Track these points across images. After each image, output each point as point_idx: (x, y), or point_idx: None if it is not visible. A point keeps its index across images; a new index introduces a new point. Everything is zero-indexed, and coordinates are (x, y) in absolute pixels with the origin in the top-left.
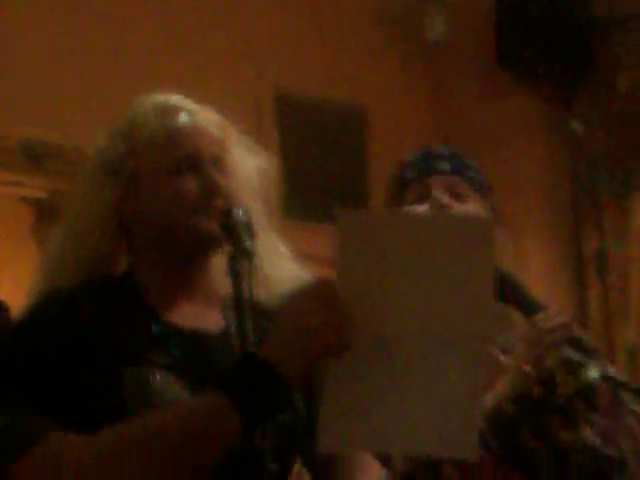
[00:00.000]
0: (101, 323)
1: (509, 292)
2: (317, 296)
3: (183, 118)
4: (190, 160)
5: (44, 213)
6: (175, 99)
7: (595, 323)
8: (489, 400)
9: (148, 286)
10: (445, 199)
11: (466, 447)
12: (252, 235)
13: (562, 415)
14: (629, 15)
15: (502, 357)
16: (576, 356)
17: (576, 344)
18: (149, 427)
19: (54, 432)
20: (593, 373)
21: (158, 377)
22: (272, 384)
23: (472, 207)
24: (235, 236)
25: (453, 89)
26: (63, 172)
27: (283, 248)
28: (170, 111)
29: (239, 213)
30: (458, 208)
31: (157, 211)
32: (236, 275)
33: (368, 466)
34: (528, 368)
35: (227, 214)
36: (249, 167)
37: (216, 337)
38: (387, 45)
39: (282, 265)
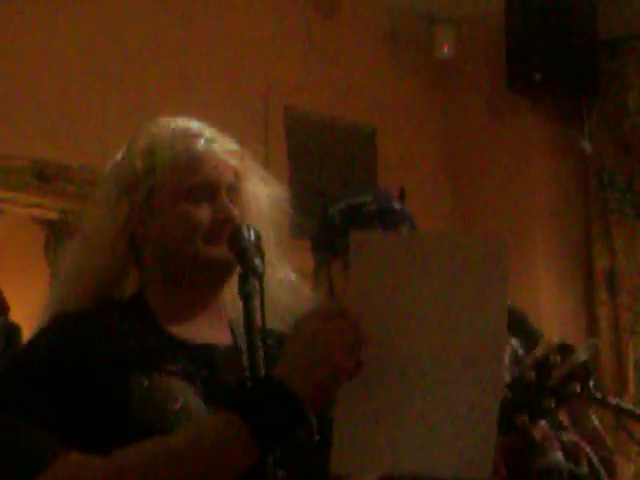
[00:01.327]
0: (110, 339)
1: (510, 321)
2: (330, 318)
3: (203, 144)
4: (206, 187)
5: (55, 233)
6: (196, 124)
7: (605, 341)
8: None
9: (157, 305)
10: None
11: (481, 467)
12: (261, 254)
13: (557, 397)
14: (636, 35)
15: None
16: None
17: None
18: (162, 451)
19: (66, 455)
20: (583, 356)
21: (171, 382)
22: (288, 409)
23: None
24: (244, 255)
25: (463, 109)
26: (74, 192)
27: (295, 277)
28: (191, 136)
29: (248, 232)
30: None
31: (167, 233)
32: (246, 295)
33: None
34: (521, 352)
35: (236, 233)
36: (262, 196)
37: (224, 351)
38: (397, 64)
39: (293, 292)
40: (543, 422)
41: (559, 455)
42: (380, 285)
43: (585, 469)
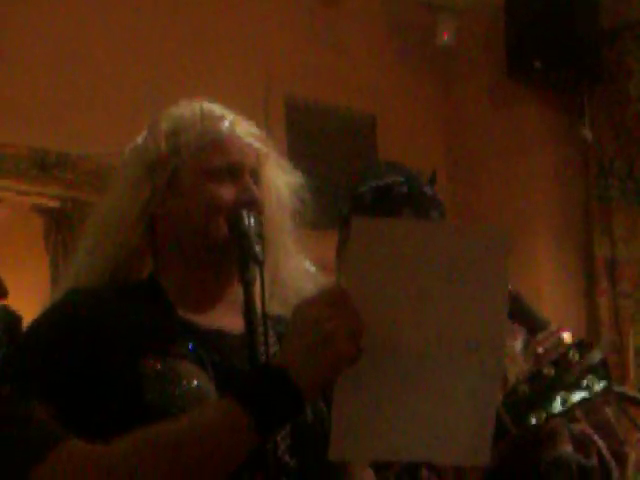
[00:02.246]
0: (124, 319)
1: (514, 308)
2: (330, 302)
3: (227, 126)
4: (230, 169)
5: (55, 222)
6: (218, 107)
7: (606, 329)
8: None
9: (171, 288)
10: None
11: (480, 453)
12: (262, 241)
13: (575, 393)
14: (637, 22)
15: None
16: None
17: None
18: (161, 438)
19: (65, 442)
20: (598, 354)
21: (183, 366)
22: (288, 395)
23: None
24: (244, 241)
25: (463, 97)
26: (73, 181)
27: (309, 265)
28: (215, 118)
29: (248, 218)
30: None
31: (190, 213)
32: (246, 281)
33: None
34: (540, 349)
35: (236, 219)
36: (281, 183)
37: (236, 338)
38: (398, 53)
39: (309, 280)
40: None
41: (568, 448)
42: (380, 271)
43: (594, 461)
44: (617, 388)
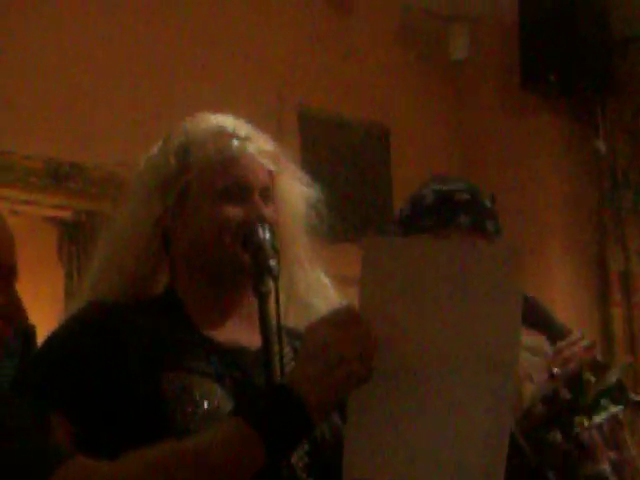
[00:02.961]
0: (145, 333)
1: (534, 316)
2: (342, 323)
3: (237, 145)
4: (239, 188)
5: (69, 233)
6: (231, 122)
7: (620, 341)
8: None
9: (188, 303)
10: None
11: (493, 475)
12: (276, 254)
13: (590, 415)
14: None
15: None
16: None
17: (595, 368)
18: (170, 457)
19: (72, 459)
20: (614, 376)
21: (203, 384)
22: (296, 415)
23: None
24: (258, 255)
25: (477, 108)
26: (86, 192)
27: (325, 279)
28: (225, 135)
29: (263, 231)
30: None
31: (199, 233)
32: (261, 295)
33: None
34: (556, 370)
35: (250, 232)
36: (297, 197)
37: (254, 354)
38: (411, 64)
39: (323, 295)
40: (596, 432)
41: (607, 468)
42: (392, 290)
43: None
44: (635, 397)
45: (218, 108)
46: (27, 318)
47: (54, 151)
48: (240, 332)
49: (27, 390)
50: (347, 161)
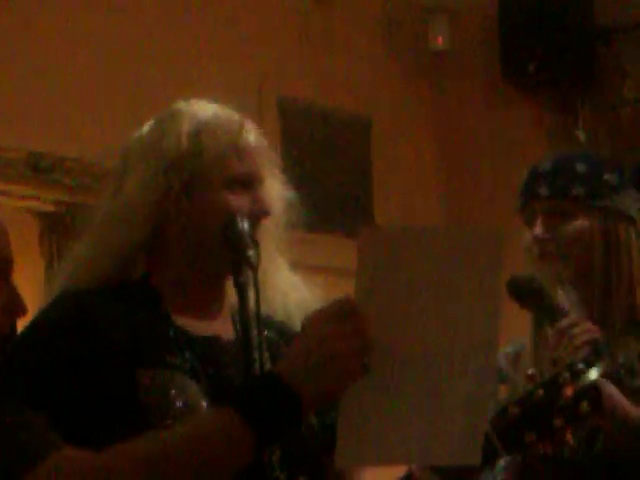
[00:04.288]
0: (117, 326)
1: (534, 297)
2: (339, 317)
3: (248, 134)
4: (249, 178)
5: (50, 226)
6: (235, 114)
7: None
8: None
9: (166, 290)
10: (540, 232)
11: (473, 454)
12: (255, 245)
13: (567, 417)
14: (633, 24)
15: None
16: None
17: (595, 350)
18: (156, 446)
19: (58, 449)
20: (593, 375)
21: (177, 378)
22: (290, 410)
23: (574, 226)
24: (238, 246)
25: (457, 99)
26: (69, 185)
27: (290, 270)
28: (237, 125)
29: (242, 222)
30: (560, 231)
31: (204, 220)
32: (241, 285)
33: None
34: (531, 371)
35: (230, 224)
36: (278, 192)
37: (227, 345)
38: (392, 55)
39: (290, 286)
40: None
41: None
42: (385, 281)
43: None
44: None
45: (199, 99)
46: (27, 312)
47: (35, 143)
48: (215, 322)
49: (1, 387)
50: (328, 152)
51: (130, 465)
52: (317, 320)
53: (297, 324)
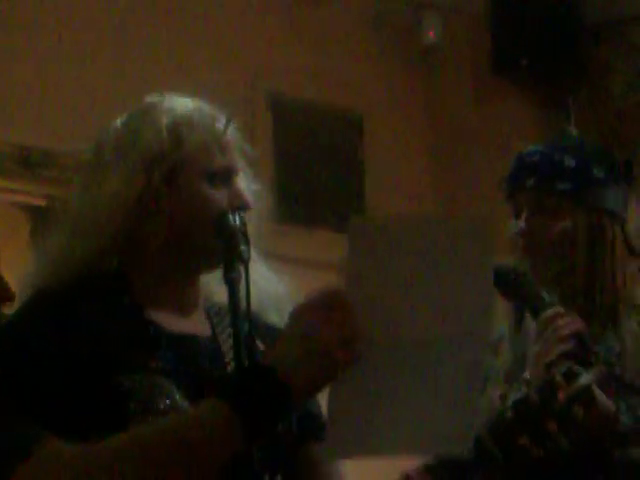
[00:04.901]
0: (92, 328)
1: (519, 288)
2: (328, 307)
3: (227, 126)
4: (228, 171)
5: (41, 220)
6: (210, 107)
7: None
8: (487, 405)
9: (140, 286)
10: (524, 228)
11: (463, 441)
12: (246, 240)
13: (560, 421)
14: (621, 20)
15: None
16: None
17: (580, 341)
18: (145, 438)
19: (48, 442)
20: (585, 379)
21: (156, 381)
22: (280, 400)
23: (558, 227)
24: (231, 241)
25: (449, 94)
26: (59, 179)
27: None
28: (214, 117)
29: (234, 218)
30: (544, 231)
31: (184, 213)
32: (232, 281)
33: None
34: (527, 375)
35: (222, 219)
36: (249, 182)
37: (204, 341)
38: (383, 50)
39: (260, 272)
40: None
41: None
42: (374, 270)
43: None
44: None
45: (190, 95)
46: (14, 298)
47: (26, 138)
48: (187, 319)
49: None
50: (320, 147)
51: (120, 455)
52: (305, 310)
53: (270, 317)
